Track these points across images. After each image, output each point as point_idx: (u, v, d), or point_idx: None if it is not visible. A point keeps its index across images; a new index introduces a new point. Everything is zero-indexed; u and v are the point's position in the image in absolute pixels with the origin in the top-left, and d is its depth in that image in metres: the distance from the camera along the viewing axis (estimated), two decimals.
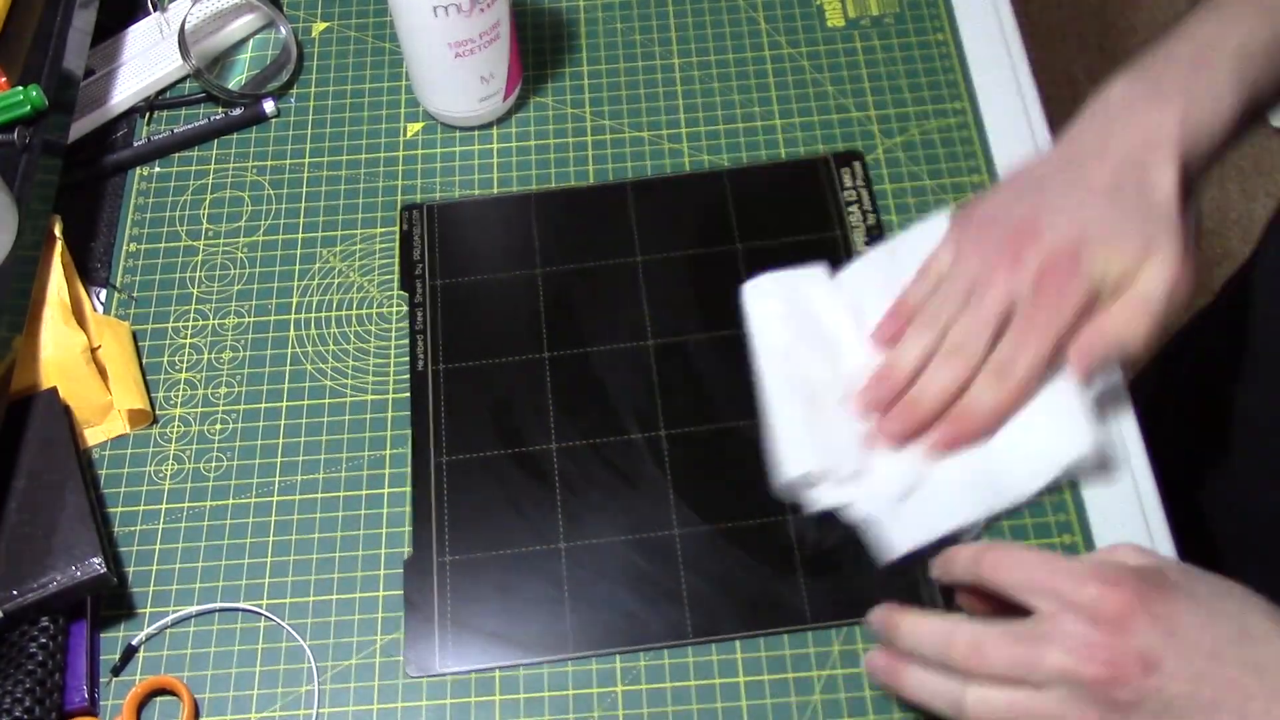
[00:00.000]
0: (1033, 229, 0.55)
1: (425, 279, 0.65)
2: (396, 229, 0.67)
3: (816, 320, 0.61)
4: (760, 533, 0.57)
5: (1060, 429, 0.56)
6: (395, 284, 0.65)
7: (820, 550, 0.57)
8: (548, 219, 0.67)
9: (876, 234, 0.65)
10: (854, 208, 0.66)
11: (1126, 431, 0.59)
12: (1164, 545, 0.56)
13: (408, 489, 0.59)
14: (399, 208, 0.67)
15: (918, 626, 0.49)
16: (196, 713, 0.54)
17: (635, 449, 0.60)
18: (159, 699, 0.54)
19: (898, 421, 0.57)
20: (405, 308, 0.64)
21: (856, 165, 0.68)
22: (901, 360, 0.57)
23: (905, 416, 0.56)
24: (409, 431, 0.61)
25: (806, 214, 0.66)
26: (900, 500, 0.56)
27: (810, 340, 0.60)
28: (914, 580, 0.55)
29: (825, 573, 0.56)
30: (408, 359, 0.63)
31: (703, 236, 0.66)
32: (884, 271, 0.61)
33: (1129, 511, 0.57)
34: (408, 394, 0.62)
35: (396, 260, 0.66)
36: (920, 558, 0.55)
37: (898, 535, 0.55)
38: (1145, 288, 0.54)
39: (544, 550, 0.57)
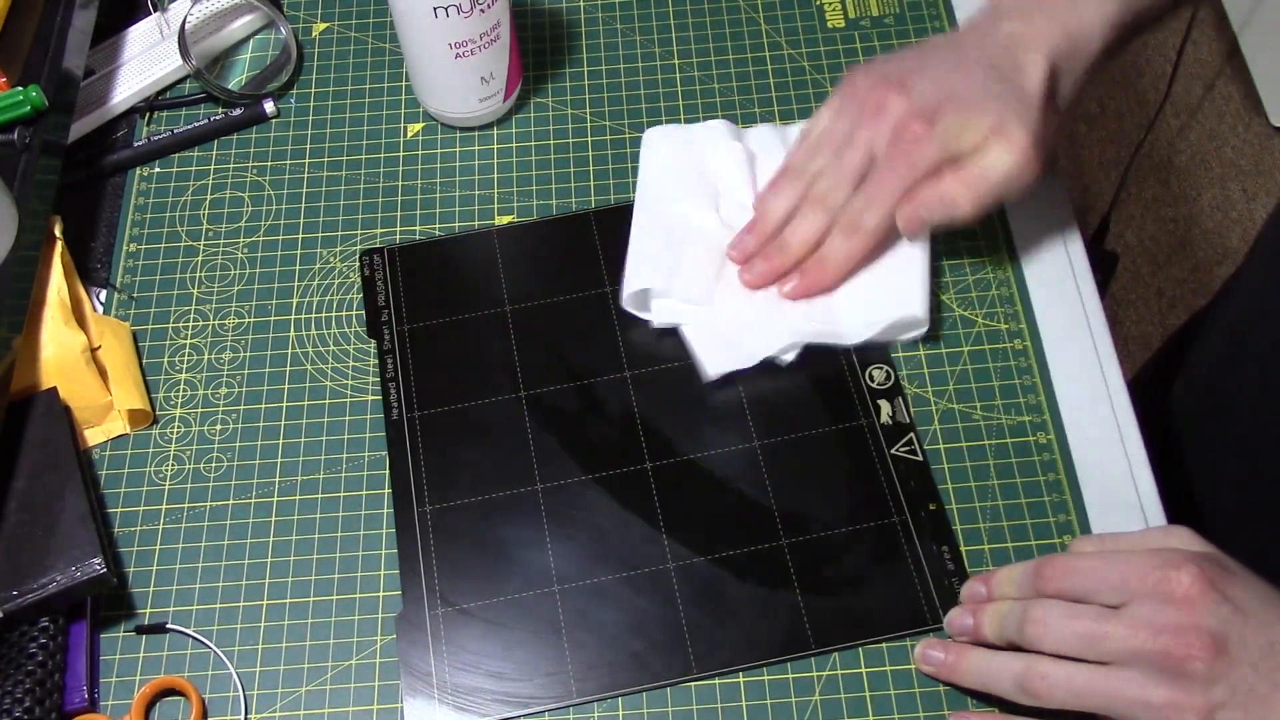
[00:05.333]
0: (900, 86, 0.59)
1: (393, 324, 0.63)
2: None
3: (702, 171, 0.65)
4: (756, 560, 0.56)
5: (898, 288, 0.61)
6: (364, 330, 0.64)
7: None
8: (512, 254, 0.65)
9: None
10: None
11: (1126, 431, 0.59)
12: None
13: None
14: (363, 247, 0.68)
15: (998, 607, 0.51)
16: (205, 712, 0.54)
17: (621, 484, 0.58)
18: (165, 699, 0.54)
19: (761, 266, 0.61)
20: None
21: None
22: (769, 212, 0.62)
23: (768, 263, 0.61)
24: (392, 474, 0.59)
25: None
26: (727, 330, 0.61)
27: (691, 188, 0.64)
28: (915, 600, 0.55)
29: (825, 596, 0.55)
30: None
31: None
32: (781, 135, 0.67)
33: (1129, 512, 0.57)
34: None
35: (363, 305, 0.65)
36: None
37: (716, 360, 0.60)
38: (987, 162, 0.57)
39: (538, 594, 0.56)
